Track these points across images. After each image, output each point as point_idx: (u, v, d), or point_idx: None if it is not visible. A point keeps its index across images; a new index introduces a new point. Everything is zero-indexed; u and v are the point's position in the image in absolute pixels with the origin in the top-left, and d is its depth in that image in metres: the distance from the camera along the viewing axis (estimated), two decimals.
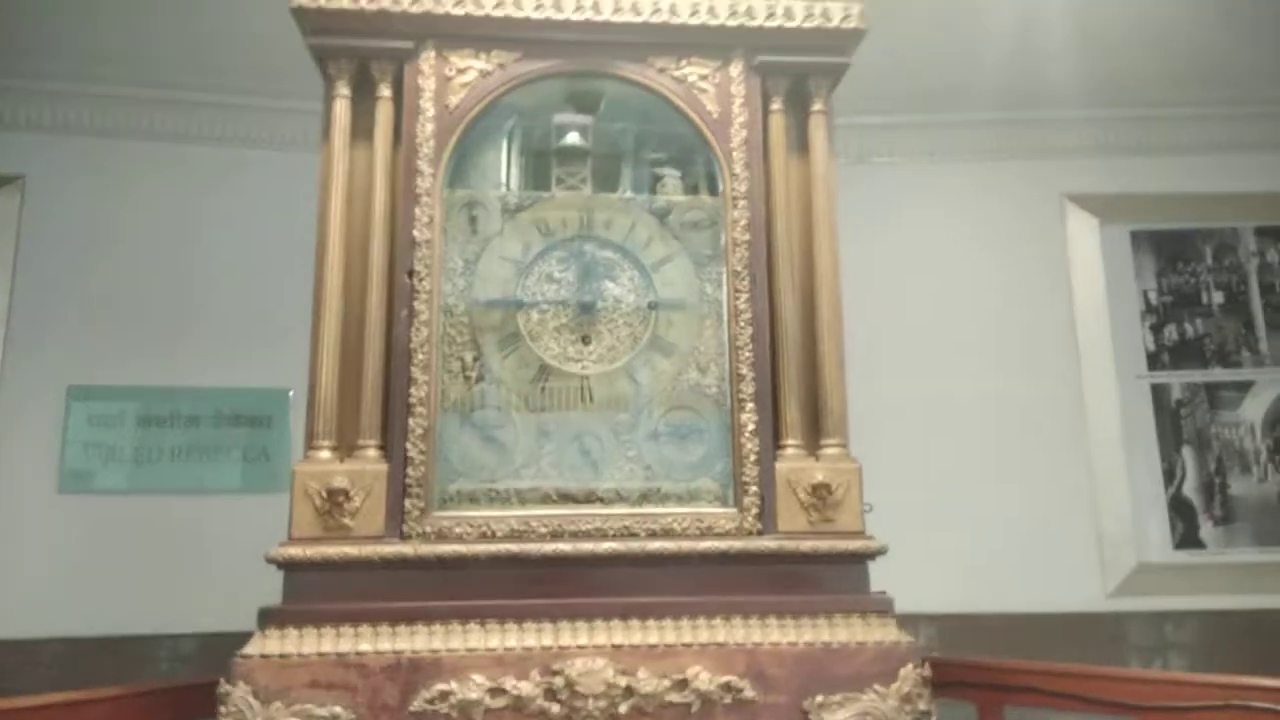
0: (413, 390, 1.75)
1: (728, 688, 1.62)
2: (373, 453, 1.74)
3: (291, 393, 3.71)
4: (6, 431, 3.51)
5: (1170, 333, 4.07)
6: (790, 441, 1.77)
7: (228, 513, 3.58)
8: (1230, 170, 4.10)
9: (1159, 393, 4.00)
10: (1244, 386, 4.01)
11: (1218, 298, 4.10)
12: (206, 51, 3.49)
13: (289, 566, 1.67)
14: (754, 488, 1.74)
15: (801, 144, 1.90)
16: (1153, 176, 4.11)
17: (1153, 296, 4.10)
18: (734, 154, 1.87)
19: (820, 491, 1.72)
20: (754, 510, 1.73)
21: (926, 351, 3.85)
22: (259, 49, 3.46)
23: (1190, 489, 3.91)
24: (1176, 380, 4.01)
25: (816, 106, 1.90)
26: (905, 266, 3.90)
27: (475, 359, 1.84)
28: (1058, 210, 4.12)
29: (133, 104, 3.78)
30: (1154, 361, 4.03)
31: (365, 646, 1.62)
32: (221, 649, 3.38)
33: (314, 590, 1.66)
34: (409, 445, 1.73)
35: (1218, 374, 4.02)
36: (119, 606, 3.41)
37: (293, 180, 3.78)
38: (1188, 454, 3.94)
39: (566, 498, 1.80)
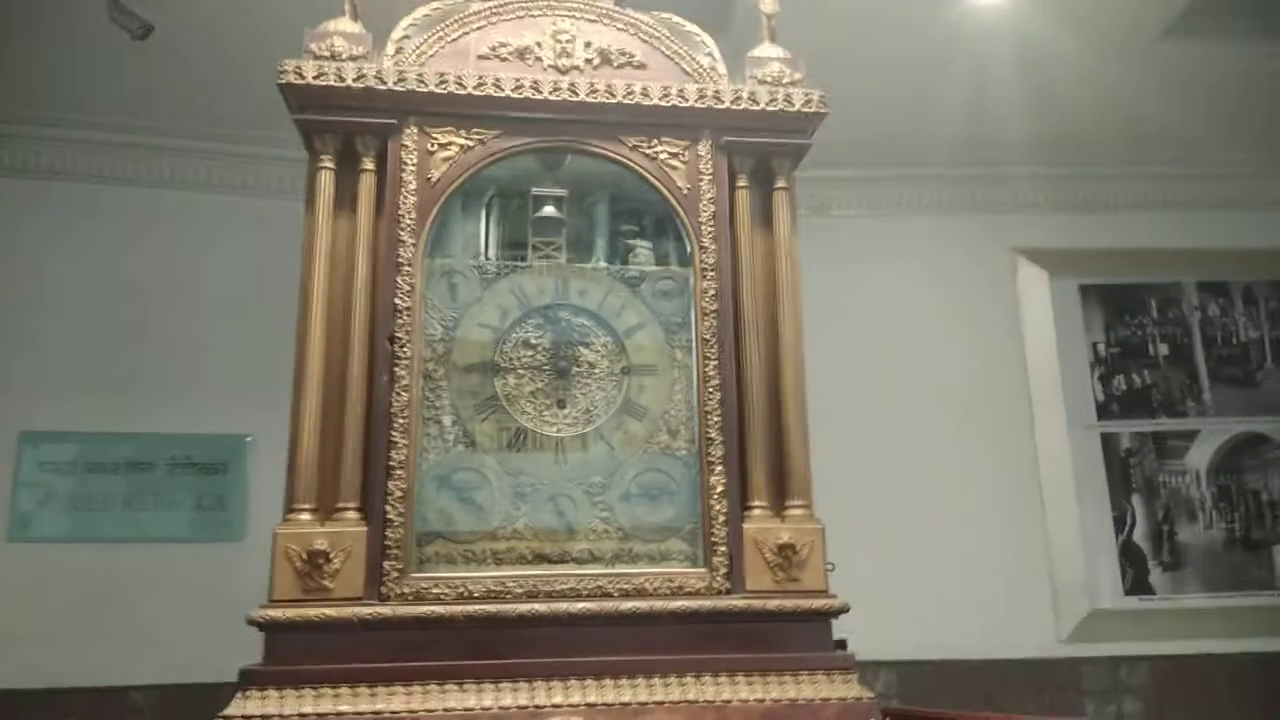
0: (393, 453, 1.81)
1: None
2: (352, 515, 1.78)
3: (249, 439, 3.71)
4: None
5: (1119, 383, 4.22)
6: (757, 503, 1.85)
7: (181, 561, 3.56)
8: (1173, 228, 4.30)
9: (1109, 442, 4.15)
10: (1189, 436, 4.17)
11: (1163, 350, 4.28)
12: (157, 95, 3.53)
13: (270, 628, 1.71)
14: (723, 548, 1.82)
15: (766, 218, 2.00)
16: (1100, 232, 4.30)
17: (1101, 348, 4.26)
18: (703, 227, 1.96)
19: (786, 551, 1.80)
20: (723, 570, 1.81)
21: (881, 401, 3.95)
22: (213, 93, 3.52)
23: (1140, 536, 4.04)
24: (1125, 430, 4.16)
25: (780, 183, 2.01)
26: (861, 317, 4.01)
27: (454, 422, 1.90)
28: (1009, 264, 4.28)
29: (86, 147, 3.80)
30: (1103, 411, 4.18)
31: (345, 708, 1.65)
32: (176, 701, 3.35)
33: (294, 651, 1.70)
34: (388, 507, 1.78)
35: (1165, 423, 4.18)
36: (68, 657, 3.36)
37: (250, 226, 3.84)
38: (1137, 501, 4.08)
39: (542, 558, 1.85)
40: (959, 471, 3.94)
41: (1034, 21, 3.25)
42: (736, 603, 1.78)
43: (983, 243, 4.28)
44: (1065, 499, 4.03)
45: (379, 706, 1.66)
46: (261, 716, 1.63)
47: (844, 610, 1.80)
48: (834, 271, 3.88)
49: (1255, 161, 4.25)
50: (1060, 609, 3.91)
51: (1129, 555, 4.03)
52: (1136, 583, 3.99)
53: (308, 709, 1.65)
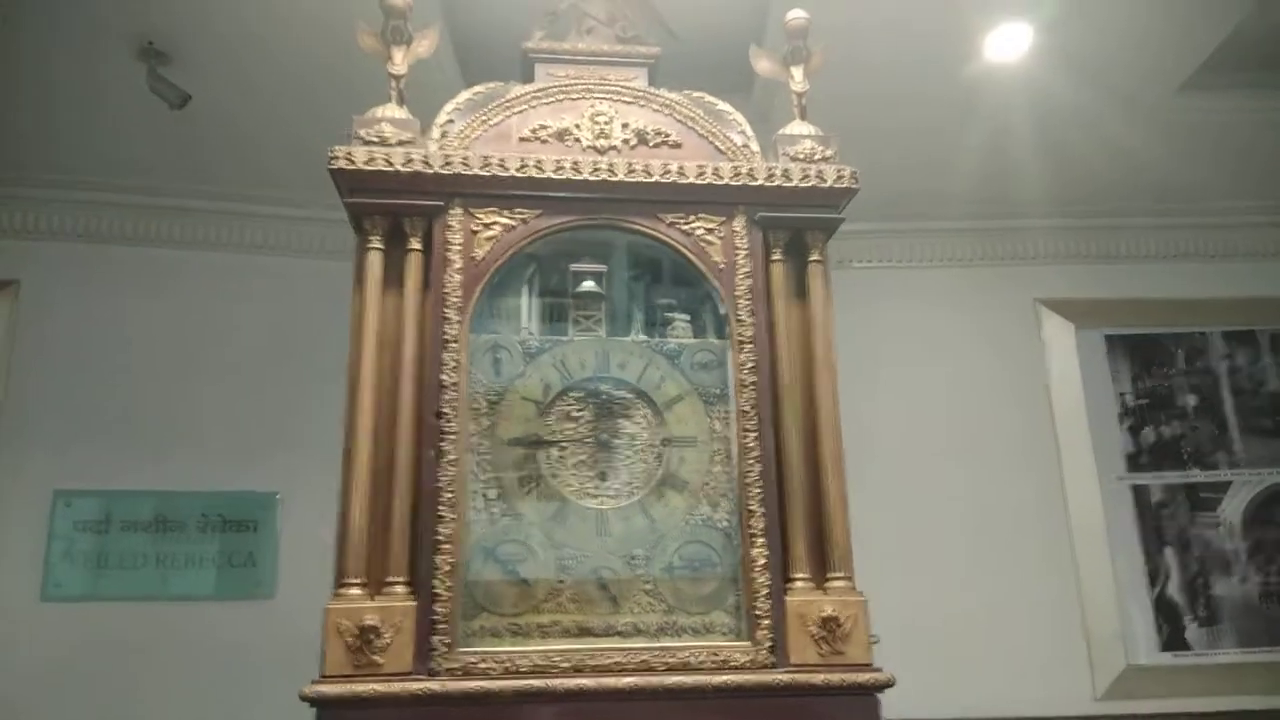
0: (440, 528, 1.84)
1: None
2: (401, 589, 1.81)
3: (279, 495, 3.76)
4: None
5: (1148, 434, 4.21)
6: (799, 575, 1.87)
7: (213, 618, 3.59)
8: (1197, 277, 4.32)
9: (1140, 494, 4.12)
10: (1221, 487, 4.14)
11: (1191, 400, 4.26)
12: (198, 158, 3.65)
13: (322, 704, 1.73)
14: (766, 621, 1.83)
15: (801, 290, 2.05)
16: (1124, 282, 4.32)
17: (1129, 399, 4.25)
18: (739, 301, 2.01)
19: (829, 624, 1.81)
20: (767, 643, 1.82)
21: (909, 455, 3.95)
22: (251, 156, 3.64)
23: (1174, 589, 4.00)
24: (1156, 482, 4.14)
25: (814, 256, 2.05)
26: (886, 370, 4.03)
27: (499, 495, 1.94)
28: (1033, 315, 4.30)
29: (125, 210, 3.90)
30: (1133, 463, 4.16)
31: None
32: None
33: None
34: (436, 582, 1.81)
35: (1196, 475, 4.15)
36: (102, 715, 3.38)
37: (283, 286, 3.93)
38: (1170, 555, 4.04)
39: (586, 631, 1.87)
40: (989, 526, 3.93)
41: (1051, 78, 3.32)
42: (781, 677, 1.79)
43: (1006, 294, 4.30)
44: (1098, 553, 4.00)
45: None
46: None
47: (890, 684, 1.80)
48: (857, 324, 3.92)
49: (1275, 210, 4.28)
50: (1095, 665, 3.86)
51: (1163, 610, 3.98)
52: (1172, 638, 3.94)
53: None
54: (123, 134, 3.47)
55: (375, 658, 1.75)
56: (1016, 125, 3.61)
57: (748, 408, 1.96)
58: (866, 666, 1.82)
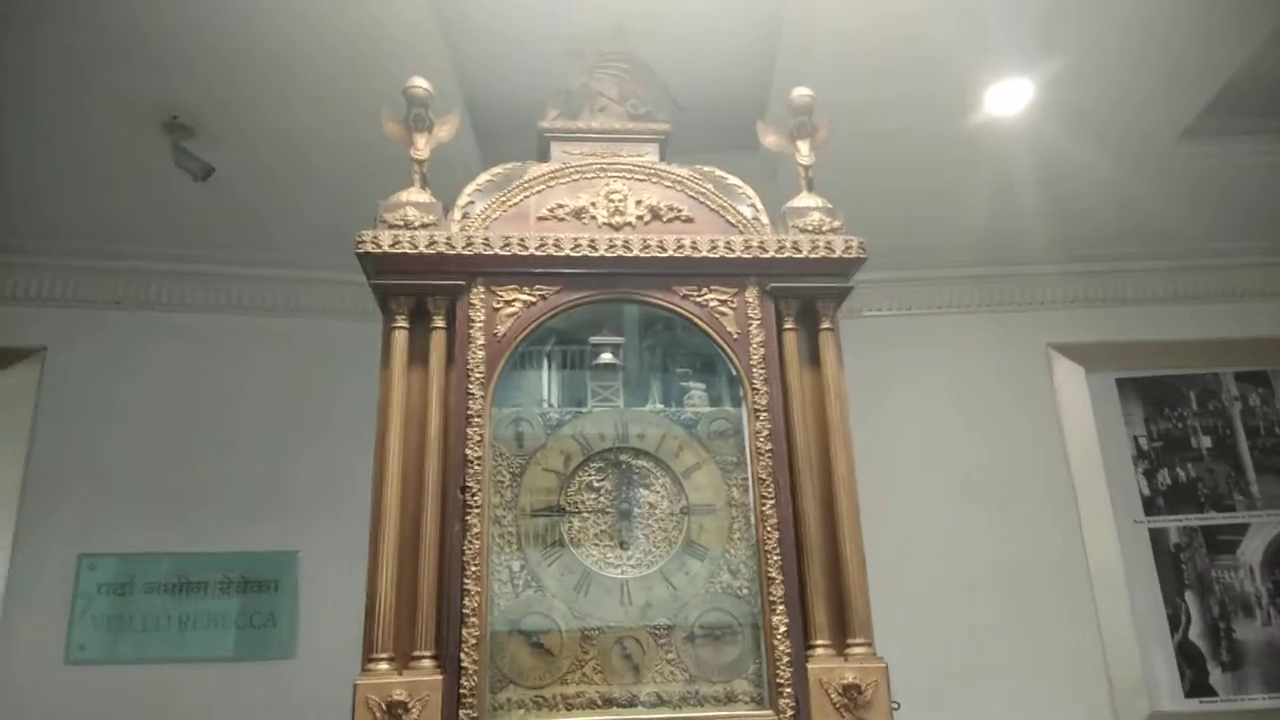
0: (466, 601, 1.88)
1: None
2: (428, 663, 1.85)
3: (299, 553, 3.80)
4: (17, 600, 3.55)
5: (1163, 477, 4.20)
6: (820, 642, 1.90)
7: (234, 681, 3.60)
8: (1206, 319, 4.34)
9: (1157, 537, 4.11)
10: (1240, 529, 4.12)
11: (1206, 442, 4.26)
12: (221, 223, 3.74)
13: None
14: (788, 689, 1.86)
15: (813, 358, 2.10)
16: (1134, 325, 4.34)
17: (1143, 442, 4.25)
18: (753, 369, 2.06)
19: (851, 692, 1.83)
20: (789, 712, 1.84)
21: (922, 502, 3.96)
22: (273, 221, 3.73)
23: (1196, 634, 3.97)
24: (1173, 524, 4.12)
25: (825, 325, 2.11)
26: (899, 417, 4.06)
27: (522, 567, 1.98)
28: (1044, 360, 4.33)
29: (148, 276, 3.99)
30: (1149, 506, 4.16)
31: None
32: None
33: None
34: (463, 655, 1.85)
35: (1213, 517, 4.14)
36: None
37: (300, 346, 4.00)
38: (1190, 598, 4.02)
39: (610, 702, 1.90)
40: (1007, 572, 3.93)
41: (1052, 129, 3.38)
42: None
43: (1016, 340, 4.33)
44: (1117, 597, 3.98)
45: None
46: None
47: None
48: (865, 372, 3.96)
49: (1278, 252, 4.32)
50: (1119, 713, 3.83)
51: (1186, 655, 3.95)
52: (1196, 684, 3.91)
53: None
54: (147, 201, 3.57)
55: None
56: (1020, 176, 3.67)
57: (764, 475, 2.00)
58: None
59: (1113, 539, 4.07)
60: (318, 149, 3.25)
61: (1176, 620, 3.99)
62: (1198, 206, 3.97)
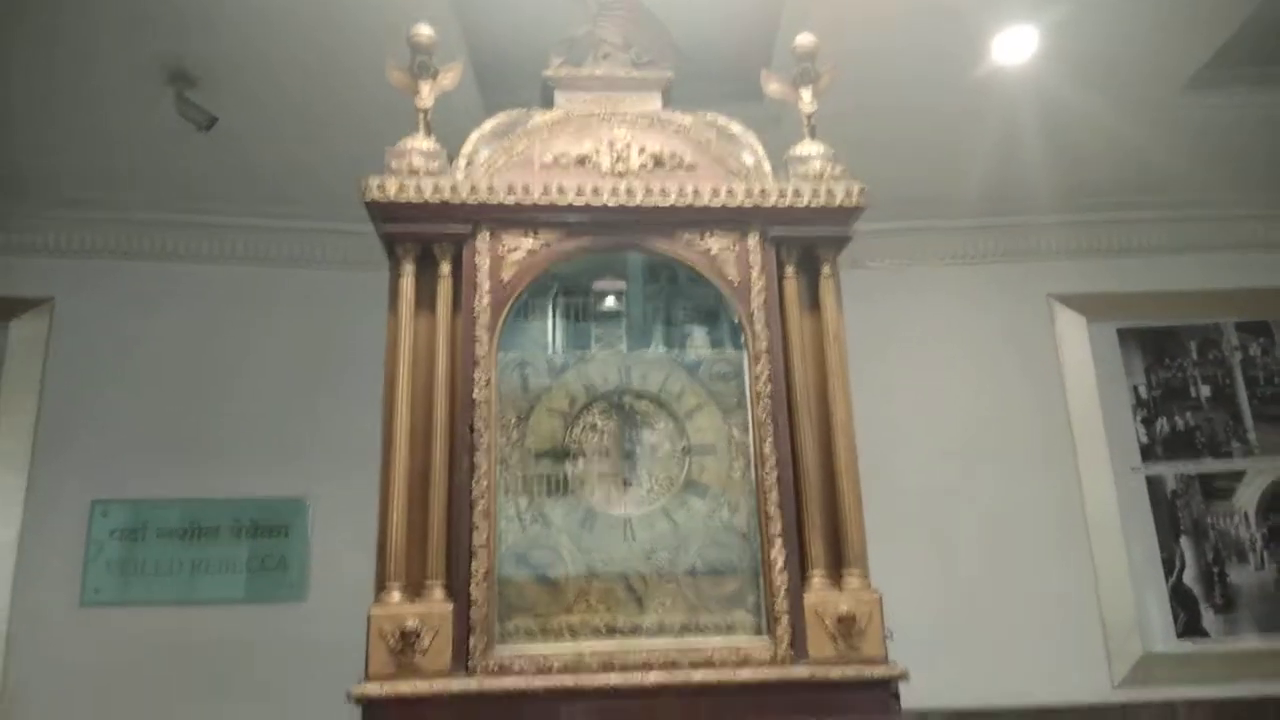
0: (474, 535, 1.95)
1: None
2: (439, 594, 1.92)
3: (308, 501, 3.88)
4: (32, 546, 3.66)
5: (1162, 426, 4.26)
6: (816, 574, 1.97)
7: (246, 622, 3.71)
8: (1208, 269, 4.36)
9: (1154, 484, 4.18)
10: (1236, 476, 4.19)
11: (1205, 391, 4.31)
12: (228, 174, 3.78)
13: (368, 704, 1.85)
14: (785, 618, 1.93)
15: (813, 304, 2.14)
16: (1136, 276, 4.37)
17: (1143, 391, 4.30)
18: (754, 315, 2.11)
19: (846, 621, 1.91)
20: (786, 640, 1.92)
21: (923, 450, 4.03)
22: (281, 172, 3.76)
23: (1190, 578, 4.05)
24: (1170, 472, 4.19)
25: (825, 271, 2.15)
26: (899, 367, 4.11)
27: (529, 504, 2.05)
28: (1045, 310, 4.36)
29: (155, 227, 4.03)
30: (1147, 454, 4.22)
31: None
32: None
33: None
34: (472, 586, 1.92)
35: (1210, 465, 4.20)
36: (140, 718, 3.51)
37: (314, 297, 4.05)
38: (1186, 544, 4.10)
39: (614, 631, 1.98)
40: (1005, 518, 4.00)
41: (1058, 79, 3.38)
42: (800, 672, 1.90)
43: (1018, 290, 4.36)
44: (1113, 543, 4.06)
45: None
46: None
47: (903, 677, 1.90)
48: (868, 322, 3.99)
49: None
50: (1112, 653, 3.92)
51: (1180, 598, 4.04)
52: (1189, 625, 4.00)
53: None
54: (153, 153, 3.60)
55: (416, 658, 1.87)
56: (1025, 125, 3.67)
57: (764, 416, 2.06)
58: (881, 661, 1.92)
59: (1110, 486, 4.14)
60: (322, 99, 3.28)
61: (1171, 565, 4.07)
62: (1201, 157, 3.97)
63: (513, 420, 2.09)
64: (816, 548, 1.99)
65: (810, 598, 1.95)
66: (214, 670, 3.62)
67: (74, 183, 3.83)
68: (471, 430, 2.00)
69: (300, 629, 3.70)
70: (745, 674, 1.89)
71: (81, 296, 3.96)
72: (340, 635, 3.45)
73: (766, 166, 2.19)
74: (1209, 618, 4.01)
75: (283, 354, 4.02)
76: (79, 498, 3.76)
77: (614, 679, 1.88)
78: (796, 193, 2.12)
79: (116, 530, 3.76)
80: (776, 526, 1.99)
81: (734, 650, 1.93)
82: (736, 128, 2.24)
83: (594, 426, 2.11)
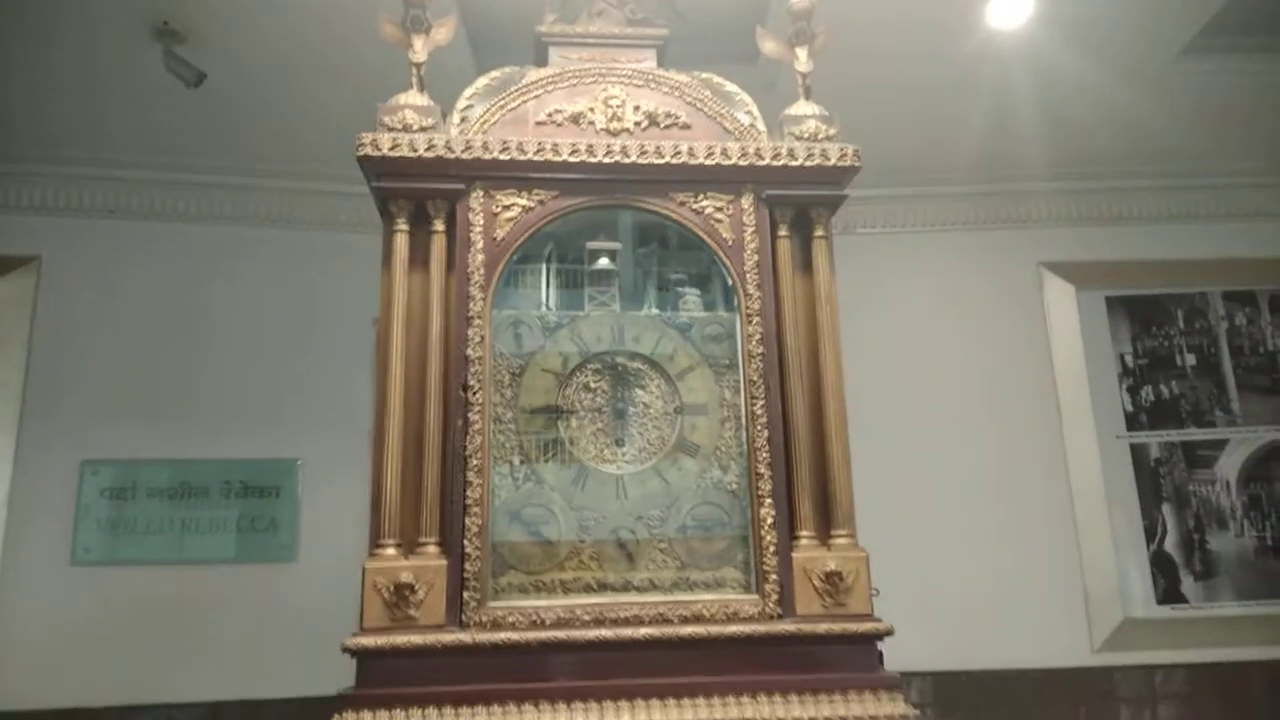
0: (468, 492, 1.97)
1: None
2: (433, 549, 1.94)
3: (299, 462, 3.89)
4: (21, 506, 3.65)
5: (1147, 394, 4.29)
6: (804, 533, 2.00)
7: (237, 581, 3.73)
8: (1197, 238, 4.37)
9: (1138, 452, 4.22)
10: (1219, 445, 4.23)
11: (1190, 360, 4.34)
12: (215, 133, 3.73)
13: (362, 655, 1.87)
14: (773, 576, 1.96)
15: (806, 265, 2.15)
16: (1125, 244, 4.38)
17: (1129, 359, 4.33)
18: (747, 275, 2.12)
19: (833, 579, 1.94)
20: (774, 596, 1.95)
21: (911, 415, 4.05)
22: (266, 131, 3.73)
23: (1171, 545, 4.11)
24: (1154, 440, 4.23)
25: (818, 232, 2.15)
26: (888, 333, 4.12)
27: (522, 462, 2.07)
28: (1035, 277, 4.37)
29: (143, 185, 3.98)
30: (1132, 422, 4.26)
31: None
32: (226, 718, 3.51)
33: (385, 676, 1.86)
34: (466, 542, 1.94)
35: (1193, 433, 4.24)
36: (130, 675, 3.53)
37: (302, 258, 4.03)
38: (1168, 511, 4.15)
39: (605, 586, 2.01)
40: (989, 484, 4.04)
41: (1052, 45, 3.36)
42: (788, 627, 1.93)
43: (1008, 257, 4.37)
44: (1096, 509, 4.10)
45: None
46: None
47: (889, 633, 1.94)
48: (860, 288, 3.99)
49: (1274, 172, 4.33)
50: (1093, 618, 3.98)
51: (1160, 564, 4.09)
52: (1169, 592, 4.06)
53: None
54: (140, 111, 3.55)
55: (410, 612, 1.89)
56: (1019, 91, 3.66)
57: (756, 377, 2.07)
58: (867, 617, 1.95)
59: (1094, 453, 4.18)
60: (310, 58, 3.24)
61: (1153, 532, 4.12)
62: (1195, 125, 3.96)
63: (506, 379, 2.10)
64: (805, 508, 2.02)
65: (798, 556, 1.98)
66: (205, 629, 3.64)
67: (61, 140, 3.78)
68: (465, 388, 2.01)
69: (290, 589, 3.72)
70: (734, 629, 1.92)
71: (69, 255, 3.91)
72: (330, 595, 3.50)
73: (761, 126, 2.19)
74: (1189, 584, 4.07)
75: (271, 314, 4.00)
76: (68, 457, 3.74)
77: (605, 633, 1.91)
78: (791, 153, 2.12)
79: (106, 490, 3.75)
80: (766, 486, 2.01)
81: (723, 606, 1.96)
82: (731, 87, 2.24)
83: (587, 386, 2.13)
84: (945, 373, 4.17)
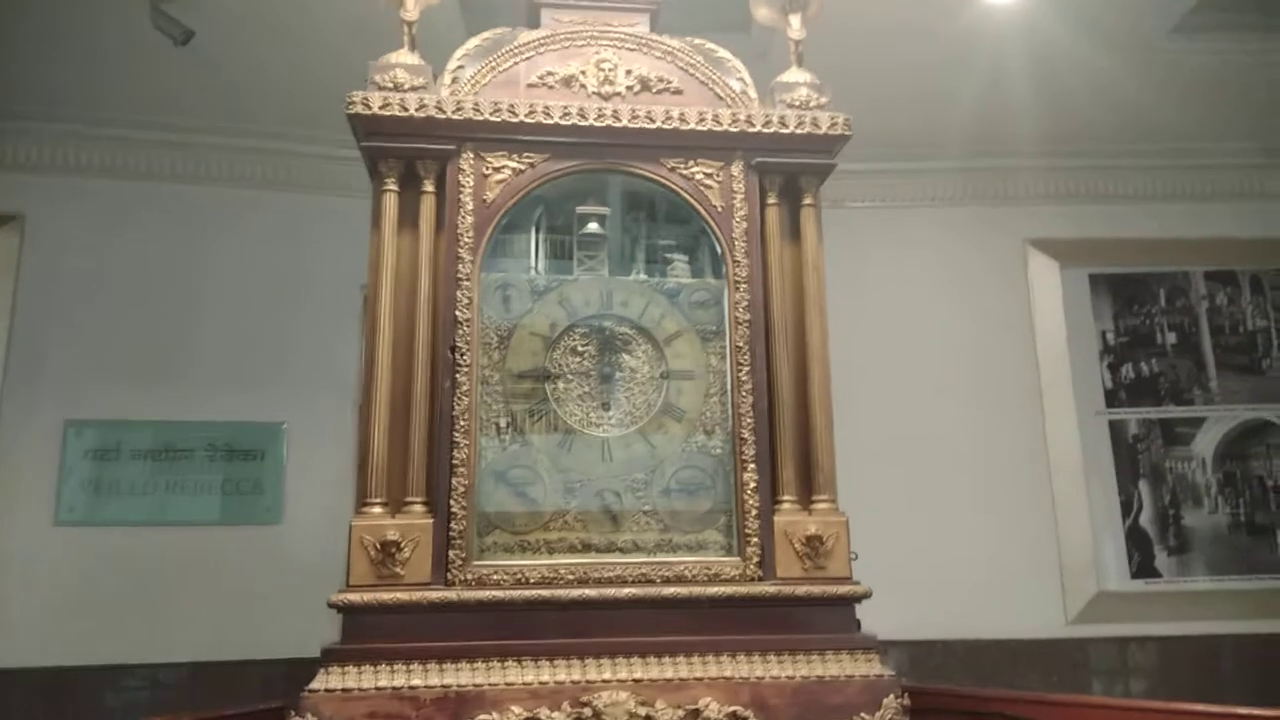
0: (455, 453, 1.98)
1: (734, 716, 1.86)
2: (419, 508, 1.96)
3: (284, 425, 3.89)
4: (5, 465, 3.63)
5: (1127, 371, 4.34)
6: (786, 497, 2.03)
7: (220, 543, 3.74)
8: (1181, 218, 4.40)
9: (1116, 429, 4.27)
10: (1196, 423, 4.29)
11: (1171, 338, 4.39)
12: (204, 93, 3.69)
13: (348, 610, 1.89)
14: (755, 539, 1.99)
15: (794, 232, 2.16)
16: (1110, 222, 4.40)
17: (1110, 337, 4.38)
18: (735, 242, 2.13)
19: (813, 542, 1.97)
20: (755, 559, 1.98)
21: (893, 388, 4.08)
22: (257, 91, 3.69)
23: (1146, 520, 4.17)
24: (1133, 416, 4.29)
25: (807, 200, 2.16)
26: (874, 306, 4.14)
27: (509, 424, 2.08)
28: (1020, 254, 4.39)
29: (129, 145, 3.93)
30: (1112, 399, 4.31)
31: (417, 681, 1.84)
32: (209, 678, 3.53)
33: (370, 631, 1.88)
34: (452, 502, 1.96)
35: (1171, 411, 4.30)
36: (115, 634, 3.54)
37: (287, 220, 4.01)
38: (1144, 487, 4.21)
39: (590, 547, 2.04)
40: (969, 457, 4.08)
41: (1044, 20, 3.36)
42: (768, 589, 1.96)
43: (994, 233, 4.39)
44: (1073, 484, 4.16)
45: (447, 680, 1.85)
46: (343, 689, 1.82)
47: (867, 595, 1.97)
48: (847, 262, 3.98)
49: (1260, 153, 4.36)
50: (1067, 591, 4.04)
51: (1135, 539, 4.16)
52: (1143, 566, 4.13)
53: (383, 682, 1.84)
54: (127, 69, 3.51)
55: (397, 569, 1.91)
56: (1010, 67, 3.66)
57: (742, 343, 2.09)
58: (846, 580, 1.99)
59: (1074, 429, 4.23)
60: (301, 14, 3.20)
61: (1129, 507, 4.18)
62: (1184, 104, 3.98)
63: (494, 341, 2.11)
64: (788, 473, 2.04)
65: (780, 520, 2.01)
66: (189, 590, 3.65)
67: (45, 97, 3.73)
68: (453, 350, 2.02)
69: (275, 551, 3.73)
70: (715, 589, 1.95)
71: (54, 213, 3.86)
72: (315, 557, 3.52)
73: (753, 93, 2.19)
74: (1162, 559, 4.14)
75: (260, 278, 3.98)
76: (52, 417, 3.72)
77: (588, 592, 1.94)
78: (782, 120, 2.13)
79: (90, 450, 3.74)
80: (750, 451, 2.04)
81: (705, 567, 1.99)
82: (724, 53, 2.23)
83: (574, 350, 2.14)
84: (930, 346, 4.20)
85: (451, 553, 1.94)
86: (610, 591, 1.94)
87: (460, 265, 2.04)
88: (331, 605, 1.90)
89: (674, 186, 2.14)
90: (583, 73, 2.15)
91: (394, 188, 2.06)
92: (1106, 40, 3.51)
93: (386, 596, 1.89)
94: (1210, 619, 3.99)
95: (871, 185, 4.37)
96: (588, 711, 1.83)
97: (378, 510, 1.95)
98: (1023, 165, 4.35)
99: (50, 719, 3.46)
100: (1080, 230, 4.38)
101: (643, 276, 2.22)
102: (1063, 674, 3.92)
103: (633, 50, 2.19)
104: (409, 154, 2.06)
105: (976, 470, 4.07)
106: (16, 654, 3.44)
